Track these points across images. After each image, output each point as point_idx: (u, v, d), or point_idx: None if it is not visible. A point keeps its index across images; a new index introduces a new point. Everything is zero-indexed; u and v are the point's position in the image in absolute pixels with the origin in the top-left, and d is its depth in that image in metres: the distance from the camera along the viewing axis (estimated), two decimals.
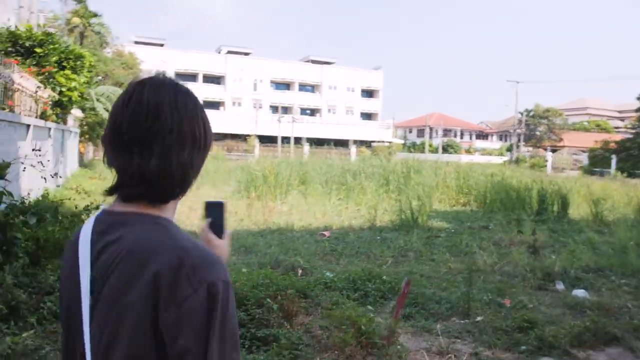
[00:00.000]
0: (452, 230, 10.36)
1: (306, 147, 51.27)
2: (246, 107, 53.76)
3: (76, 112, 18.97)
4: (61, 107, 11.15)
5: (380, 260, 7.37)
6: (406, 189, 15.15)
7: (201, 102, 1.04)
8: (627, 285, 6.36)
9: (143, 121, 0.94)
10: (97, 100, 19.28)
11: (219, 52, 55.96)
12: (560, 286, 6.19)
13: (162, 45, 52.83)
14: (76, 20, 18.59)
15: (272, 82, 56.40)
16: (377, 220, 11.09)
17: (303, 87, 58.89)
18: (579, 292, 5.85)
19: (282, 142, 48.47)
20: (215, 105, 52.18)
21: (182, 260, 0.89)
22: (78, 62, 11.51)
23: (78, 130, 18.57)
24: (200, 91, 50.96)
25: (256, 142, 48.65)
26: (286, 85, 58.28)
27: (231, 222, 9.67)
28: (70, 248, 1.03)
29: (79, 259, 0.97)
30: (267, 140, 50.14)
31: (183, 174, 0.98)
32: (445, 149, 58.04)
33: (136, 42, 50.11)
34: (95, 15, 19.42)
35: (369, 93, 61.81)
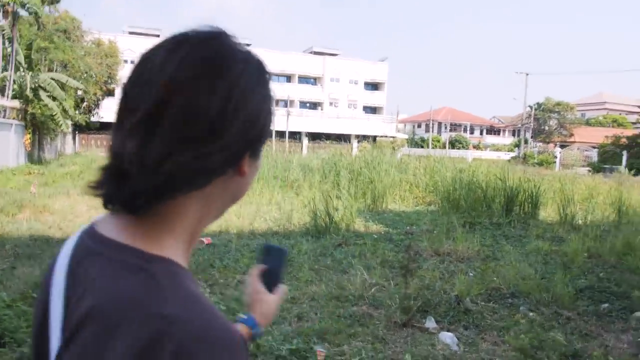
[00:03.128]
0: (379, 237, 8.66)
1: (305, 141, 49.76)
2: None
3: (11, 103, 17.67)
4: None
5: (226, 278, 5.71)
6: (356, 185, 13.46)
7: None
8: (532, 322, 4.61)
9: None
10: (39, 88, 17.96)
11: None
12: (431, 324, 4.47)
13: (157, 35, 51.64)
14: None
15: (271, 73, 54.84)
16: (294, 221, 9.44)
17: (304, 79, 57.22)
18: (447, 337, 4.13)
19: (281, 137, 46.99)
20: None
21: (163, 337, 0.55)
22: None
23: (18, 123, 17.28)
24: None
25: None
26: (286, 78, 56.68)
27: None
28: (46, 275, 0.71)
29: (50, 293, 0.67)
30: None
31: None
32: (453, 145, 55.86)
33: (130, 33, 49.11)
34: None
35: (373, 86, 59.78)
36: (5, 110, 16.97)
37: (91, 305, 0.60)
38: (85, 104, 28.31)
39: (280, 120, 47.68)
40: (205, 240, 7.67)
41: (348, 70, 57.32)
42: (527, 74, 43.40)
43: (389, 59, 74.10)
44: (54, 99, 18.25)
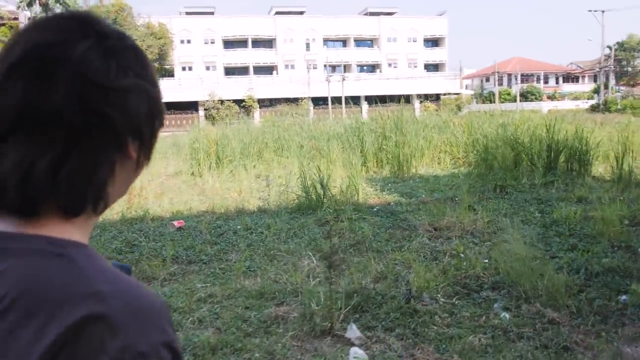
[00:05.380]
0: (381, 210, 7.55)
1: (364, 106, 48.19)
2: (300, 69, 51.28)
3: None
4: None
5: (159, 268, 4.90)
6: (383, 151, 12.24)
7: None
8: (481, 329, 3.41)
9: None
10: None
11: (270, 14, 53.69)
12: (353, 333, 3.41)
13: (212, 13, 51.55)
14: None
15: (325, 40, 53.23)
16: (291, 196, 8.52)
17: (360, 42, 55.08)
18: (356, 354, 3.08)
19: (338, 102, 45.74)
20: (267, 69, 50.39)
21: (97, 314, 0.54)
22: None
23: None
24: (251, 56, 49.51)
25: (310, 104, 46.42)
26: (341, 42, 54.84)
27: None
28: None
29: None
30: (322, 102, 47.59)
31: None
32: (525, 97, 51.72)
33: (188, 13, 49.40)
34: None
35: (433, 42, 56.42)
36: None
37: (7, 294, 0.56)
38: None
39: (335, 86, 46.47)
40: (177, 223, 6.98)
41: (405, 28, 54.37)
42: (602, 12, 38.49)
43: (448, 12, 68.88)
44: None
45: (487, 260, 4.79)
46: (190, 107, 40.12)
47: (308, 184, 7.89)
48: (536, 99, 50.78)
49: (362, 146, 12.57)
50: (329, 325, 3.50)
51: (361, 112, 45.08)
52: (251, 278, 4.67)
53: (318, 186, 7.86)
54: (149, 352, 0.55)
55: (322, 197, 7.70)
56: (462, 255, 5.10)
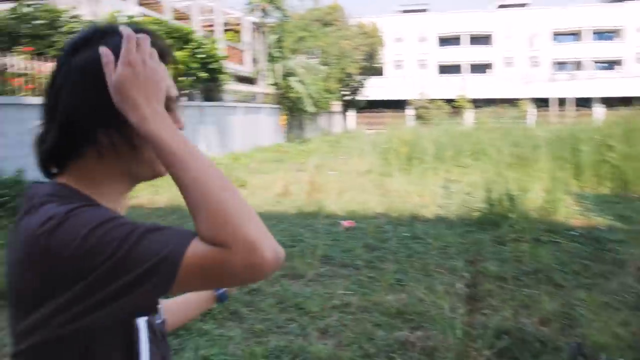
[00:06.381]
0: (584, 234, 6.30)
1: (599, 109, 42.07)
2: (519, 67, 47.33)
3: (263, 89, 19.97)
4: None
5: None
6: (606, 164, 10.33)
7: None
8: None
9: None
10: (290, 74, 19.83)
11: (489, 8, 50.69)
12: None
13: (424, 10, 51.13)
14: None
15: (554, 34, 47.99)
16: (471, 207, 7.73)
17: (599, 34, 48.16)
18: None
19: (567, 104, 40.91)
20: (482, 68, 47.84)
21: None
22: (181, 39, 11.66)
23: (271, 106, 19.46)
24: (465, 54, 47.66)
25: (531, 106, 42.49)
26: (574, 36, 48.75)
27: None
28: None
29: None
30: (545, 103, 43.17)
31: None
32: None
33: (404, 12, 50.04)
34: None
35: None
36: (255, 96, 19.37)
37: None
38: (347, 84, 30.25)
39: (563, 86, 41.70)
40: (347, 223, 6.94)
41: None
42: None
43: None
44: (303, 83, 19.95)
45: None
46: (399, 106, 40.58)
47: (494, 196, 7.05)
48: None
49: (576, 156, 10.82)
50: None
51: (593, 116, 39.52)
52: (396, 293, 4.29)
53: (506, 199, 6.95)
54: None
55: (509, 211, 6.79)
56: None
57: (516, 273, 4.71)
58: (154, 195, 9.03)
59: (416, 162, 11.54)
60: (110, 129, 0.79)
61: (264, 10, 19.43)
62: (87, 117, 0.78)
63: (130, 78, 0.74)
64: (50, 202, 0.74)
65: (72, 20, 9.83)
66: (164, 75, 0.80)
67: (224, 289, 1.21)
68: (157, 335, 0.86)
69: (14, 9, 9.34)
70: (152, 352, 0.82)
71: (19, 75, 7.62)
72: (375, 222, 7.13)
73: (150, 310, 0.74)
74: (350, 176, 11.57)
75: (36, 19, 9.25)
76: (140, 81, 0.75)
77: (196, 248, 0.68)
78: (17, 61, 7.88)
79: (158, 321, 0.89)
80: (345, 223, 6.92)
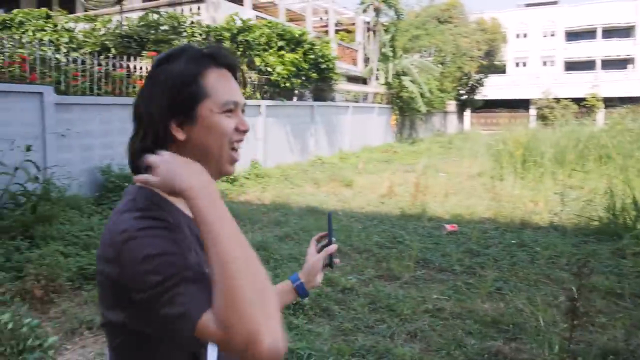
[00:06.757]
0: None
1: None
2: None
3: (375, 89, 19.89)
4: (276, 85, 11.99)
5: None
6: None
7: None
8: None
9: None
10: (402, 73, 19.58)
11: None
12: None
13: (555, 2, 47.34)
14: None
15: None
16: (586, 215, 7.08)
17: None
18: None
19: None
20: (618, 63, 43.21)
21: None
22: (291, 41, 11.95)
23: (382, 106, 19.39)
24: (599, 48, 43.42)
25: None
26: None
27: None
28: None
29: None
30: None
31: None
32: None
33: (527, 5, 46.96)
34: None
35: None
36: (366, 96, 19.40)
37: None
38: (464, 84, 29.14)
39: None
40: (450, 226, 6.75)
41: None
42: None
43: None
44: (415, 82, 19.62)
45: None
46: (521, 105, 38.12)
47: (617, 204, 6.41)
48: None
49: None
50: None
51: None
52: (494, 302, 4.10)
53: (632, 208, 6.30)
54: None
55: (634, 222, 6.14)
56: None
57: (636, 290, 4.26)
58: (262, 192, 9.51)
59: (532, 166, 10.82)
60: (179, 129, 0.93)
61: (376, 10, 19.41)
62: (162, 118, 0.92)
63: (169, 167, 0.83)
64: (128, 211, 0.87)
65: (192, 25, 10.70)
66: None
67: (301, 280, 1.25)
68: None
69: (142, 17, 10.41)
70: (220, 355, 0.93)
71: (141, 77, 8.47)
72: (481, 227, 6.85)
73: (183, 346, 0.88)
74: (459, 178, 11.19)
75: (161, 25, 10.21)
76: (181, 163, 0.84)
77: (207, 320, 0.74)
78: (142, 65, 8.78)
79: None
80: (449, 227, 6.74)
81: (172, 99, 0.92)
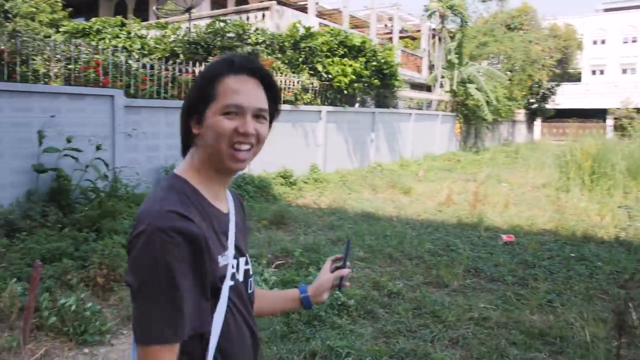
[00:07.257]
0: None
1: None
2: None
3: (439, 96, 19.53)
4: (337, 91, 12.03)
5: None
6: None
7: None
8: None
9: None
10: (468, 81, 19.13)
11: None
12: None
13: (638, 7, 44.41)
14: (433, 5, 18.88)
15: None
16: None
17: None
18: None
19: None
20: None
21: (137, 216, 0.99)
22: (353, 49, 11.94)
23: (446, 114, 19.02)
24: None
25: None
26: None
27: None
28: None
29: None
30: None
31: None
32: None
33: (606, 10, 44.51)
34: None
35: None
36: (430, 103, 19.09)
37: None
38: (535, 92, 28.01)
39: None
40: (507, 237, 6.56)
41: None
42: None
43: None
44: (482, 90, 19.10)
45: None
46: (597, 115, 36.04)
47: None
48: None
49: None
50: None
51: None
52: (543, 313, 3.97)
53: None
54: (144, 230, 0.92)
55: None
56: None
57: None
58: (319, 196, 9.64)
59: (601, 178, 10.25)
60: (195, 121, 1.07)
61: (442, 16, 19.12)
62: (186, 113, 1.08)
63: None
64: (162, 199, 0.98)
65: (256, 32, 11.03)
66: None
67: (308, 293, 1.33)
68: (245, 300, 1.10)
69: (210, 24, 10.86)
70: (231, 312, 1.05)
71: None
72: (539, 238, 6.61)
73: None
74: (523, 189, 10.81)
75: (227, 32, 10.60)
76: None
77: (157, 351, 0.92)
78: None
79: (249, 291, 1.14)
80: (505, 237, 6.55)
81: (191, 99, 1.07)
